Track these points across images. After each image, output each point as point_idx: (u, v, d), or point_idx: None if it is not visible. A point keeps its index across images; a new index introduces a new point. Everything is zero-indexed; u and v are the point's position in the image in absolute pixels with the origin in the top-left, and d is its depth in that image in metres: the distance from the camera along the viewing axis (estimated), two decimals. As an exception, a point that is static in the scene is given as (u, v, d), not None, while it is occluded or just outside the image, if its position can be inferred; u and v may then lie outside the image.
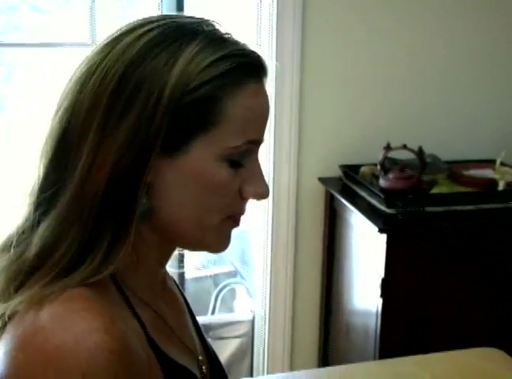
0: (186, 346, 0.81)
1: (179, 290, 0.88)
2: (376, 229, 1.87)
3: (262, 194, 0.75)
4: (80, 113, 0.71)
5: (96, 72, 0.71)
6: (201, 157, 0.71)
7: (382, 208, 1.93)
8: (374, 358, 1.94)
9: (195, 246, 0.78)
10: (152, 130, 0.69)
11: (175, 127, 0.70)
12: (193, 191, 0.72)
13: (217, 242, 0.77)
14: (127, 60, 0.70)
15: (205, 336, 0.89)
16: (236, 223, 0.77)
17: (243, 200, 0.76)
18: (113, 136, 0.69)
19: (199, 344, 0.86)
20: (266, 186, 0.76)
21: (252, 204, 0.77)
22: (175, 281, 0.89)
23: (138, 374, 0.67)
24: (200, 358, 0.83)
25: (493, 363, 1.26)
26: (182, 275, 2.39)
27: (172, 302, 0.84)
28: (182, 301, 0.88)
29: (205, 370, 0.82)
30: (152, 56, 0.70)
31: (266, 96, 0.75)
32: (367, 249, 2.03)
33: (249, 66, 0.73)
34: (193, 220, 0.74)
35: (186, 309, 0.88)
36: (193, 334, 0.86)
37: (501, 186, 2.04)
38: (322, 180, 2.24)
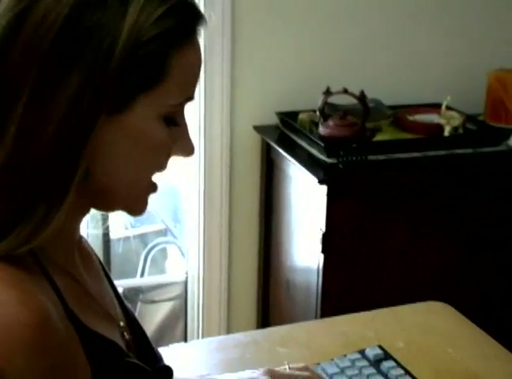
0: (108, 313, 0.81)
1: (94, 252, 0.87)
2: (316, 180, 1.88)
3: (190, 152, 0.79)
4: (11, 64, 0.67)
5: (30, 13, 0.67)
6: (144, 116, 0.72)
7: (322, 157, 1.94)
8: (316, 317, 1.97)
9: (117, 209, 0.79)
10: (103, 87, 0.68)
11: (121, 84, 0.69)
12: (131, 152, 0.73)
13: (141, 205, 0.78)
14: (72, 1, 0.67)
15: (125, 301, 0.90)
16: (156, 189, 0.79)
17: (168, 158, 0.78)
18: (55, 93, 0.67)
19: (119, 310, 0.86)
20: (193, 144, 0.79)
21: (182, 158, 0.80)
22: (89, 244, 0.87)
23: (56, 348, 0.66)
24: (121, 324, 0.83)
25: (439, 317, 1.29)
26: (107, 236, 2.36)
27: (90, 267, 0.84)
28: (99, 265, 0.87)
29: (127, 337, 0.83)
30: None
31: (200, 48, 0.76)
32: (306, 202, 2.04)
33: (192, 19, 0.73)
34: (127, 183, 0.75)
35: (103, 274, 0.87)
36: (114, 300, 0.86)
37: (447, 132, 2.08)
38: (258, 128, 2.24)
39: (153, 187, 0.79)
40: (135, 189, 0.76)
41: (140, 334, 0.88)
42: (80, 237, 0.84)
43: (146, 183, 0.77)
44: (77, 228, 0.80)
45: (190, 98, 0.76)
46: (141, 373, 0.78)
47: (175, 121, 0.76)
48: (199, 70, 0.76)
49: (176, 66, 0.72)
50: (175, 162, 0.81)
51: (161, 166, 0.78)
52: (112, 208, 0.80)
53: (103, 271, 0.88)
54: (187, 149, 0.78)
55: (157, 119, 0.73)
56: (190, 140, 0.78)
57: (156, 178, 0.79)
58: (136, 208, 0.79)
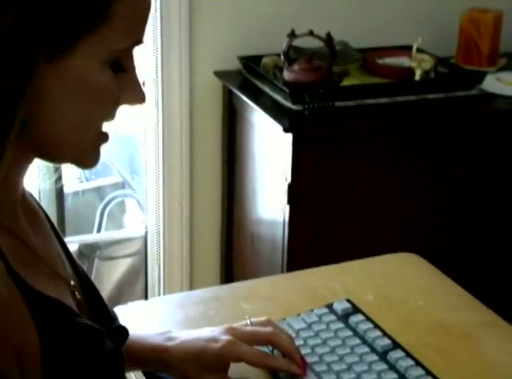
0: (56, 272, 0.80)
1: (41, 208, 0.86)
2: (281, 128, 1.87)
3: (140, 100, 0.77)
4: None
5: None
6: (86, 61, 0.70)
7: (287, 104, 1.92)
8: (282, 271, 1.99)
9: (65, 160, 0.78)
10: (40, 28, 0.66)
11: (60, 25, 0.67)
12: (74, 100, 0.72)
13: (91, 157, 0.77)
14: None
15: (76, 259, 0.89)
16: (107, 139, 0.78)
17: (117, 106, 0.77)
18: None
19: (70, 269, 0.85)
20: (143, 91, 0.77)
21: (138, 106, 0.79)
22: (35, 199, 0.86)
23: None
24: (72, 283, 0.83)
25: (410, 269, 1.31)
26: (60, 190, 2.34)
27: (36, 224, 0.82)
28: (46, 221, 0.85)
29: (78, 296, 0.82)
30: None
31: None
32: (271, 151, 2.04)
33: None
34: (72, 133, 0.73)
35: (52, 231, 0.85)
36: (63, 258, 0.85)
37: (418, 76, 2.08)
38: (219, 74, 2.21)
39: (103, 137, 0.77)
40: (82, 139, 0.75)
41: (92, 293, 0.88)
42: (24, 191, 0.82)
43: (94, 133, 0.76)
44: (19, 182, 0.78)
45: (139, 42, 0.74)
46: (93, 333, 0.78)
47: (122, 67, 0.74)
48: (148, 10, 0.74)
49: (121, 5, 0.70)
50: (131, 110, 0.80)
51: (109, 114, 0.76)
52: (60, 160, 0.78)
53: (52, 228, 0.87)
54: (137, 97, 0.77)
55: (101, 65, 0.72)
56: (139, 87, 0.77)
57: (108, 127, 0.78)
58: (85, 160, 0.77)
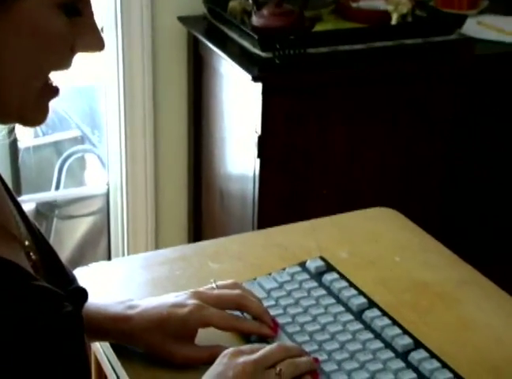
0: (9, 232, 0.79)
1: None
2: (249, 77, 1.85)
3: (98, 47, 0.76)
4: None
5: None
6: (37, 4, 0.70)
7: (256, 51, 1.90)
8: (253, 229, 1.99)
9: (9, 118, 0.76)
10: None
11: None
12: (23, 46, 0.71)
13: (39, 112, 0.76)
14: None
15: (30, 218, 0.88)
16: (57, 93, 0.77)
17: (72, 53, 0.75)
18: None
19: (24, 228, 0.84)
20: (102, 37, 0.76)
21: (97, 54, 0.78)
22: None
23: None
24: (26, 243, 0.82)
25: (386, 224, 1.31)
26: (14, 145, 2.31)
27: None
28: None
29: (33, 257, 0.81)
30: None
31: None
32: (240, 101, 2.02)
33: None
34: (17, 83, 0.72)
35: (3, 189, 0.84)
36: (17, 217, 0.83)
37: (394, 20, 2.06)
38: (183, 19, 2.18)
39: (52, 91, 0.76)
40: (28, 90, 0.73)
41: (49, 254, 0.87)
42: None
43: (41, 83, 0.74)
44: None
45: None
46: (50, 296, 0.77)
47: (77, 11, 0.73)
48: None
49: None
50: (89, 58, 0.79)
51: (63, 62, 0.75)
52: (5, 121, 0.77)
53: (4, 186, 0.85)
54: (94, 43, 0.76)
55: (53, 8, 0.71)
56: (97, 32, 0.75)
57: (61, 79, 0.76)
58: (32, 115, 0.76)
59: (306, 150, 1.97)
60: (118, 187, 2.36)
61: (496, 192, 2.19)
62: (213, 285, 1.00)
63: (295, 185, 2.00)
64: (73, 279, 0.90)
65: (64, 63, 0.75)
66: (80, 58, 0.78)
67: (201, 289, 1.00)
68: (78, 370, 0.80)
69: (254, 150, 1.94)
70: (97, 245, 2.52)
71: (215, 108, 2.17)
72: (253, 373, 0.85)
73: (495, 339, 1.03)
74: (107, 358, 1.01)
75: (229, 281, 1.02)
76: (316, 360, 0.92)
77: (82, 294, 0.90)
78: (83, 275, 1.11)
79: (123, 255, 2.40)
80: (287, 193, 1.99)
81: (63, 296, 0.79)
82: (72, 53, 0.75)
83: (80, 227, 2.52)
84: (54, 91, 0.76)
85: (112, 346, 0.99)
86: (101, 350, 1.03)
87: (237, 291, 0.99)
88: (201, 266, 1.17)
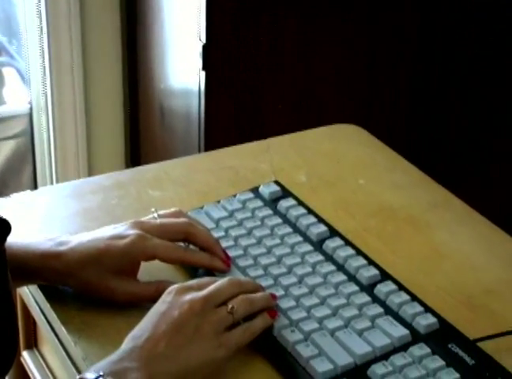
0: None
1: None
2: (191, -25, 1.83)
3: None
4: None
5: None
6: None
7: None
8: (199, 151, 1.99)
9: None
10: None
11: None
12: None
13: None
14: None
15: None
16: None
17: None
18: None
19: None
20: None
21: None
22: None
23: None
24: None
25: (349, 142, 1.32)
26: None
27: None
28: None
29: None
30: None
31: None
32: (181, 6, 2.00)
33: None
34: None
35: None
36: None
37: None
38: None
39: None
40: None
41: None
42: None
43: None
44: None
45: None
46: None
47: None
48: None
49: None
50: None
51: None
52: None
53: None
54: None
55: None
56: None
57: None
58: None
59: (258, 59, 1.96)
60: (42, 106, 2.33)
61: (471, 104, 2.20)
62: (154, 215, 1.00)
63: (245, 100, 1.99)
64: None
65: None
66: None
67: (142, 219, 0.99)
68: (1, 311, 0.79)
69: (198, 61, 1.92)
70: (21, 173, 2.50)
71: (153, 14, 2.15)
72: (201, 311, 0.85)
73: (469, 267, 1.05)
74: (35, 300, 1.01)
75: (172, 209, 1.02)
76: (273, 296, 0.93)
77: (4, 225, 0.88)
78: (4, 207, 1.11)
79: (51, 183, 2.38)
80: (236, 110, 1.99)
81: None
82: None
83: (1, 152, 2.49)
84: None
85: (40, 287, 0.99)
86: (28, 291, 1.03)
87: (183, 219, 0.99)
88: (139, 194, 1.16)
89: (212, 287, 0.88)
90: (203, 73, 1.93)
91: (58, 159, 2.36)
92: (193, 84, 1.97)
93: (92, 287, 0.94)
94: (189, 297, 0.86)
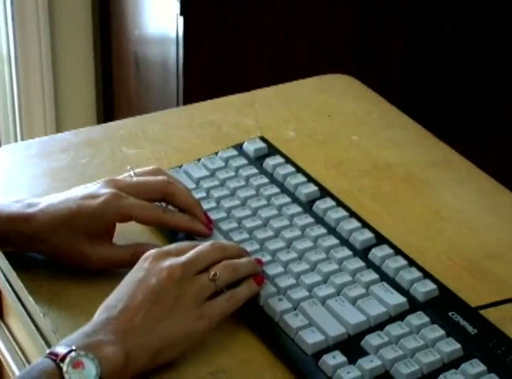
0: None
1: None
2: None
3: None
4: None
5: None
6: None
7: None
8: (178, 104, 1.99)
9: None
10: None
11: None
12: None
13: None
14: None
15: None
16: None
17: None
18: None
19: None
20: None
21: None
22: None
23: None
24: None
25: (340, 94, 1.31)
26: None
27: None
28: None
29: None
30: None
31: None
32: None
33: None
34: None
35: None
36: None
37: None
38: None
39: None
40: None
41: None
42: None
43: None
44: None
45: None
46: None
47: None
48: None
49: None
50: None
51: None
52: None
53: None
54: None
55: None
56: None
57: None
58: None
59: (241, 3, 1.95)
60: (4, 55, 2.32)
61: (470, 49, 2.20)
62: (130, 173, 1.00)
63: (228, 49, 1.98)
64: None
65: None
66: None
67: (117, 177, 0.99)
68: None
69: (175, 5, 1.91)
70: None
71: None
72: (181, 278, 0.85)
73: (471, 230, 1.06)
74: (0, 268, 1.02)
75: (150, 167, 1.01)
76: (259, 261, 0.93)
77: None
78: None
79: (15, 141, 2.38)
80: (218, 59, 1.98)
81: None
82: None
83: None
84: None
85: (6, 254, 0.99)
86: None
87: (161, 177, 0.99)
88: (112, 152, 1.16)
89: (192, 252, 0.88)
90: (181, 19, 1.92)
91: (23, 114, 2.35)
92: (171, 30, 1.97)
93: (63, 252, 0.94)
94: (167, 263, 0.86)
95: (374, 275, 0.94)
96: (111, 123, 1.31)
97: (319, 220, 1.02)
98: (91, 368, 0.77)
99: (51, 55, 2.32)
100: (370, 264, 0.96)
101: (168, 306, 0.84)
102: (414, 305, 0.91)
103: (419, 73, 2.17)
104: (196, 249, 0.89)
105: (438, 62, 2.18)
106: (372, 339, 0.86)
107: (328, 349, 0.85)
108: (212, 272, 0.87)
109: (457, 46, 2.17)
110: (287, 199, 1.05)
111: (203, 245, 0.90)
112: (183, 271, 0.86)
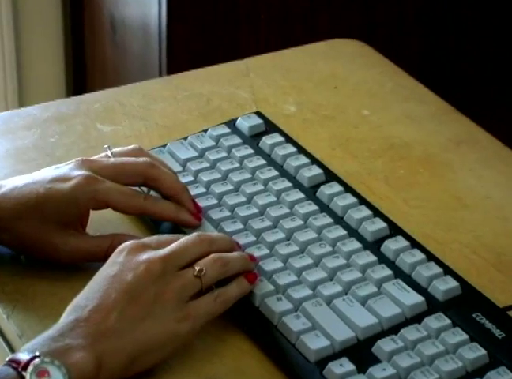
0: None
1: None
2: None
3: None
4: None
5: None
6: None
7: None
8: (161, 74, 1.99)
9: None
10: None
11: None
12: None
13: None
14: None
15: None
16: None
17: None
18: None
19: None
20: None
21: None
22: None
23: None
24: None
25: (348, 60, 1.31)
26: None
27: None
28: None
29: None
30: None
31: None
32: None
33: None
34: None
35: None
36: None
37: None
38: None
39: None
40: None
41: None
42: None
43: None
44: None
45: None
46: None
47: None
48: None
49: None
50: None
51: None
52: None
53: None
54: None
55: None
56: None
57: None
58: None
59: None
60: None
61: (493, 21, 2.21)
62: (108, 152, 1.00)
63: (217, 9, 1.98)
64: None
65: None
66: None
67: (93, 158, 0.99)
68: None
69: (157, -41, 1.92)
70: None
71: None
72: (161, 274, 0.85)
73: (499, 219, 1.06)
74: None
75: (130, 146, 1.01)
76: (251, 258, 0.93)
77: None
78: None
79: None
80: (206, 21, 1.98)
81: None
82: None
83: None
84: None
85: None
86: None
87: (143, 159, 0.99)
88: (86, 129, 1.17)
89: (174, 245, 0.88)
90: (164, -25, 1.92)
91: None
92: (152, -12, 1.97)
93: (29, 242, 0.95)
94: (145, 256, 0.86)
95: (388, 271, 0.94)
96: (84, 96, 1.31)
97: (324, 208, 1.02)
98: (57, 376, 0.77)
99: (13, 17, 2.32)
100: (383, 259, 0.96)
101: (146, 306, 0.84)
102: (433, 305, 0.91)
103: (439, 40, 2.18)
104: (179, 240, 0.89)
105: (462, 28, 2.18)
106: (385, 345, 0.86)
107: (334, 356, 0.86)
108: (197, 268, 0.87)
109: (482, 12, 2.18)
110: (287, 183, 1.05)
111: (188, 237, 0.90)
112: (164, 265, 0.85)
